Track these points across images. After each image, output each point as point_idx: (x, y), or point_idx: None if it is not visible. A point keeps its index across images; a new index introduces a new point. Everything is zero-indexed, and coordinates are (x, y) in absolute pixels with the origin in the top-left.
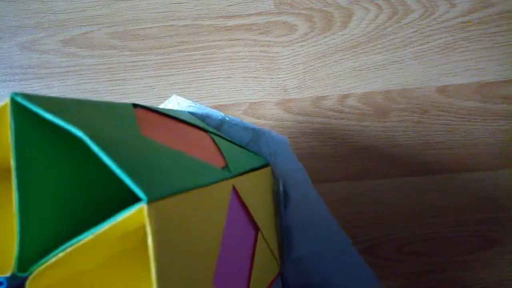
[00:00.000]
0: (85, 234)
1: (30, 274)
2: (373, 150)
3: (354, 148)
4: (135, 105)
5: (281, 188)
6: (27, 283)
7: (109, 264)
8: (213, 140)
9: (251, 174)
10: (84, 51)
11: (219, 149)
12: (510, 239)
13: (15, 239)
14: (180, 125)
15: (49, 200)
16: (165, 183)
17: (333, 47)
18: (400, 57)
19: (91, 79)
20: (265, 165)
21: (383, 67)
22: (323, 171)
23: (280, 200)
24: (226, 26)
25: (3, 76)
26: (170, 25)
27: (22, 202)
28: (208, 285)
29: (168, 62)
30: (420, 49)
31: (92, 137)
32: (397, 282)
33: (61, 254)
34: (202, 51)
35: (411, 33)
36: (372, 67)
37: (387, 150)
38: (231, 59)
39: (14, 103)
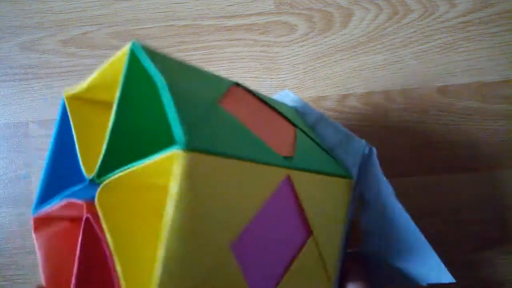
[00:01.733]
0: (137, 162)
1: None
2: None
3: None
4: (238, 84)
5: (357, 192)
6: (99, 191)
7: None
8: (295, 135)
9: (319, 176)
10: (84, 51)
11: (294, 143)
12: (510, 239)
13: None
14: (268, 110)
15: (134, 129)
16: (210, 140)
17: (333, 47)
18: (400, 57)
19: None
20: (343, 176)
21: (383, 67)
22: None
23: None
24: (226, 26)
25: (3, 76)
26: (170, 25)
27: (115, 127)
28: (223, 248)
29: None
30: (420, 49)
31: (169, 86)
32: None
33: (121, 174)
34: (202, 51)
35: (411, 33)
36: (372, 67)
37: (387, 150)
38: (231, 59)
39: (132, 52)
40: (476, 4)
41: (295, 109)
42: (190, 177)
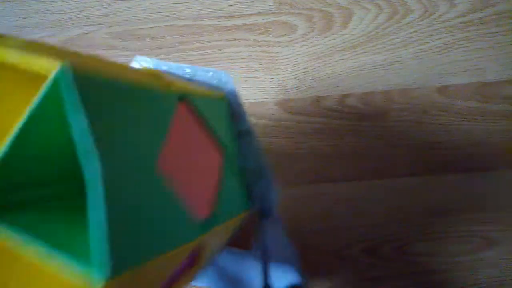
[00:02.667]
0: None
1: None
2: (373, 150)
3: (354, 148)
4: (182, 98)
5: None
6: None
7: None
8: (219, 168)
9: (228, 222)
10: (84, 51)
11: (218, 187)
12: (510, 239)
13: None
14: (203, 134)
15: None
16: (137, 253)
17: (333, 47)
18: (400, 57)
19: None
20: (245, 211)
21: (383, 67)
22: (323, 171)
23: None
24: (226, 26)
25: None
26: (170, 25)
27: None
28: None
29: None
30: (420, 49)
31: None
32: (397, 282)
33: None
34: (202, 51)
35: (411, 33)
36: (372, 67)
37: (387, 150)
38: (231, 59)
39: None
40: (476, 4)
41: (227, 101)
42: None
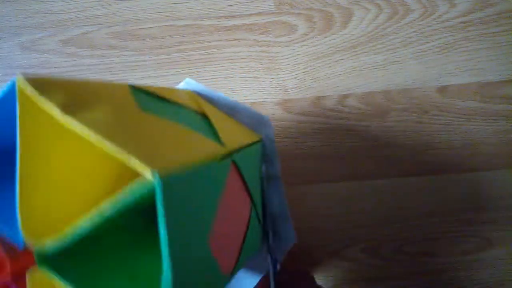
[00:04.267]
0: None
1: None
2: (373, 150)
3: (354, 148)
4: (233, 160)
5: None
6: (44, 273)
7: None
8: (247, 222)
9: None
10: (84, 51)
11: (243, 244)
12: (510, 239)
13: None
14: (241, 196)
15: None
16: None
17: (333, 47)
18: (400, 57)
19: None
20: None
21: (383, 67)
22: (323, 171)
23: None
24: (226, 26)
25: (3, 76)
26: (170, 25)
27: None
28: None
29: (168, 62)
30: (420, 49)
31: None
32: (397, 282)
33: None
34: (202, 51)
35: (411, 33)
36: (372, 67)
37: (387, 150)
38: (231, 59)
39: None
40: (476, 4)
41: (261, 144)
42: None
